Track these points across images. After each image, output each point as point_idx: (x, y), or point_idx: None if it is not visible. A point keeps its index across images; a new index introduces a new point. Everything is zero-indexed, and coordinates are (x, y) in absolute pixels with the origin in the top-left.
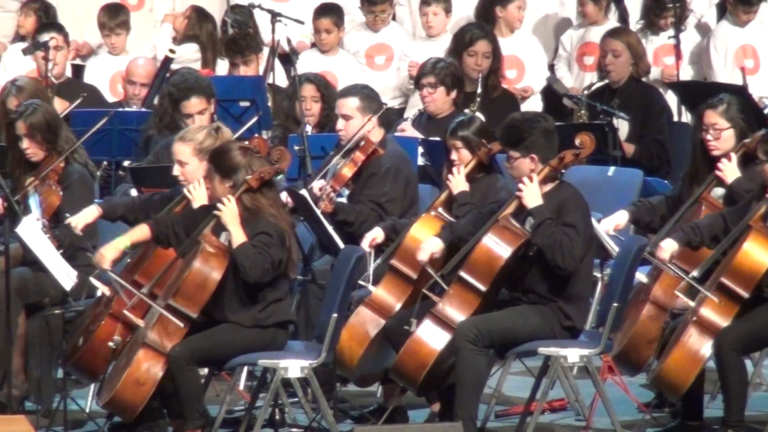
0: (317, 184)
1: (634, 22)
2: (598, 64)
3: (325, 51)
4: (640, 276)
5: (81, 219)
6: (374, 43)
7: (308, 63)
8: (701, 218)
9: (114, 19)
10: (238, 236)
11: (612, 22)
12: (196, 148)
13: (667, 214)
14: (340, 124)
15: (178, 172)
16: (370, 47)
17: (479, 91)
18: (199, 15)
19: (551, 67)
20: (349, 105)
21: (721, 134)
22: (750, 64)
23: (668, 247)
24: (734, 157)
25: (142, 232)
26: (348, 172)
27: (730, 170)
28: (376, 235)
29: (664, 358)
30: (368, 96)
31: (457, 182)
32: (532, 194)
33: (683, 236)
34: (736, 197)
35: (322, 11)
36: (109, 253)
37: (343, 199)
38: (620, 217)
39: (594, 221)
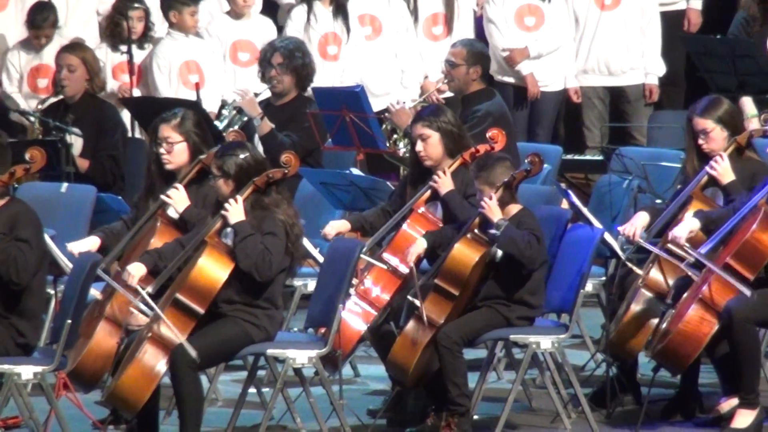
0: None
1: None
2: (53, 79)
3: None
4: (95, 292)
5: None
6: None
7: None
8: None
9: None
10: None
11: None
12: None
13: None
14: None
15: None
16: None
17: None
18: None
19: None
20: None
21: (174, 147)
22: (195, 79)
23: (136, 271)
24: (181, 191)
25: None
26: None
27: (179, 198)
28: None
29: (119, 374)
30: None
31: None
32: None
33: (149, 259)
34: (189, 227)
35: None
36: None
37: None
38: (91, 243)
39: (47, 237)
